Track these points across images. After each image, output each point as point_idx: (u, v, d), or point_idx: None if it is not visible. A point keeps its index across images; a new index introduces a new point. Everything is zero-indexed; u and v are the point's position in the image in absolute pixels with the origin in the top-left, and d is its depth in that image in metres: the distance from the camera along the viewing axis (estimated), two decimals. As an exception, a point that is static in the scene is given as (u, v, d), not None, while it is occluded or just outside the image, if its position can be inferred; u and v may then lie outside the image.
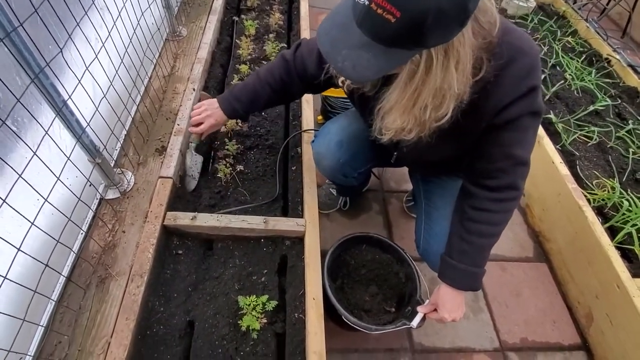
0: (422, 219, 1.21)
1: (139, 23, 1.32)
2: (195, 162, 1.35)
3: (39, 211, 0.82)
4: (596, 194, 1.57)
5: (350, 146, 1.18)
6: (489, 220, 0.92)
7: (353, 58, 0.64)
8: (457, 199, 1.01)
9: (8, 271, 0.73)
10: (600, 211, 1.56)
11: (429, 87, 0.67)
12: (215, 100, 1.21)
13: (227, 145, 1.43)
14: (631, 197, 1.55)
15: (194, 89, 1.54)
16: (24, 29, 0.75)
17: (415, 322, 1.08)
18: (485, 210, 0.91)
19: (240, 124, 1.52)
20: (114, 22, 1.17)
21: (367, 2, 0.58)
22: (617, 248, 1.42)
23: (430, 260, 1.17)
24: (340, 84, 0.93)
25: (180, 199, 1.30)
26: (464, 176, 0.98)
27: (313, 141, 1.28)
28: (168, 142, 1.36)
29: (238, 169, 1.39)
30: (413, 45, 0.62)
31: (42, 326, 0.90)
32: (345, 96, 1.33)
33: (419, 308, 1.09)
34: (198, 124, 1.22)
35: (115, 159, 1.28)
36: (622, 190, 1.59)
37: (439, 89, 0.68)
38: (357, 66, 0.64)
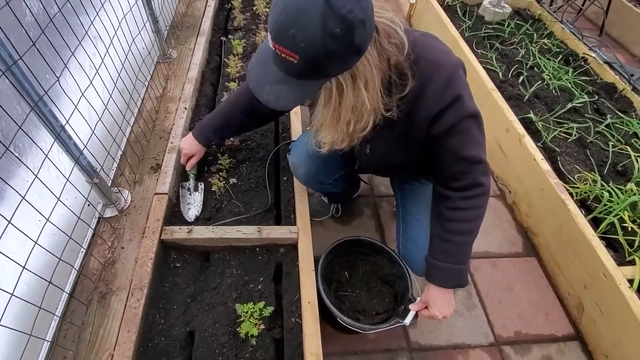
0: (400, 224, 1.29)
1: (130, 49, 1.39)
2: (200, 189, 1.40)
3: (41, 231, 0.87)
4: (578, 188, 1.63)
5: (320, 155, 1.21)
6: (464, 218, 0.97)
7: (275, 91, 0.75)
8: (432, 202, 1.07)
9: (14, 289, 0.77)
10: (583, 204, 1.61)
11: (346, 106, 0.78)
12: (189, 136, 1.35)
13: (220, 159, 1.48)
14: (612, 189, 1.60)
15: (185, 108, 1.60)
16: (23, 61, 0.81)
17: (407, 320, 1.12)
18: (458, 208, 0.97)
19: (232, 140, 1.57)
20: (107, 50, 1.23)
21: (273, 49, 0.68)
22: (602, 238, 1.46)
23: (410, 264, 1.24)
24: None
25: (176, 213, 1.35)
26: (435, 181, 1.04)
27: (289, 152, 1.36)
28: (162, 160, 1.41)
29: (231, 182, 1.44)
30: (319, 77, 0.72)
31: (47, 341, 0.94)
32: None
33: (411, 306, 1.13)
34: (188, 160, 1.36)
35: (112, 178, 1.33)
36: (603, 183, 1.64)
37: (355, 107, 0.79)
38: (280, 98, 0.75)
